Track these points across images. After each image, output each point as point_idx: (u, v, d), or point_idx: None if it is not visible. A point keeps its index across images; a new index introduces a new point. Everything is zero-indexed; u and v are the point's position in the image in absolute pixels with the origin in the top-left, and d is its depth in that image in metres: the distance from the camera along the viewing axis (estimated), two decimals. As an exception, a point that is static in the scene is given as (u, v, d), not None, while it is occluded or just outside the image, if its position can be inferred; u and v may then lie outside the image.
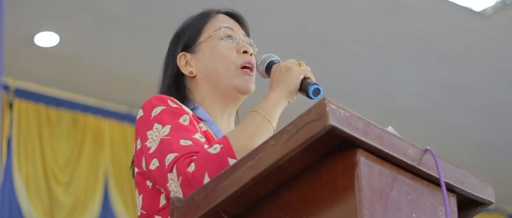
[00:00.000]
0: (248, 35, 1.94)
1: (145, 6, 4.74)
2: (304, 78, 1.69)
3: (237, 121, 1.92)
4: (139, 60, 5.35)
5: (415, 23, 5.05)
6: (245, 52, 1.85)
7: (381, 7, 4.88)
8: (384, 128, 1.37)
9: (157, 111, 1.68)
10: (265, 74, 1.81)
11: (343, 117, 1.27)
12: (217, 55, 1.84)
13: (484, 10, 4.89)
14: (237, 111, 1.94)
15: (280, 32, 5.05)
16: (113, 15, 4.84)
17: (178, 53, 1.89)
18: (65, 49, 5.17)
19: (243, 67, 1.84)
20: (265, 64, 1.80)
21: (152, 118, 1.67)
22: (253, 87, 1.85)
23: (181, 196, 1.51)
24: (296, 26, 5.06)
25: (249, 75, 1.84)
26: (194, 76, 1.87)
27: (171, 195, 1.55)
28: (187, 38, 1.90)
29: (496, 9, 4.87)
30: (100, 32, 5.03)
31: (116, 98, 5.91)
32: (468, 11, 4.90)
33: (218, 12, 1.93)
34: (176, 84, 1.87)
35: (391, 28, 5.11)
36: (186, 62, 1.88)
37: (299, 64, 1.73)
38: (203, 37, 1.88)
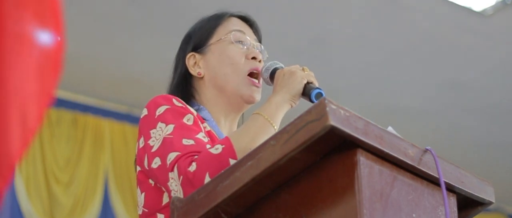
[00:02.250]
0: (259, 40, 1.95)
1: (145, 6, 4.74)
2: (307, 83, 1.70)
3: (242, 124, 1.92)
4: (139, 60, 5.35)
5: (415, 23, 5.05)
6: (254, 58, 1.86)
7: (381, 7, 4.88)
8: (384, 128, 1.37)
9: (161, 110, 1.69)
10: (269, 81, 1.82)
11: (343, 117, 1.27)
12: (226, 58, 1.85)
13: (484, 10, 4.89)
14: (243, 114, 1.94)
15: (280, 32, 5.05)
16: (113, 15, 4.84)
17: (188, 52, 1.89)
18: (65, 49, 5.16)
19: (251, 74, 1.84)
20: (270, 71, 1.81)
21: (156, 117, 1.68)
22: (258, 97, 1.86)
23: (181, 195, 1.52)
24: (296, 26, 5.06)
25: (256, 86, 1.84)
26: (202, 78, 1.88)
27: (172, 194, 1.55)
28: (198, 38, 1.90)
29: (496, 9, 4.87)
30: (100, 32, 5.03)
31: (116, 98, 5.92)
32: (468, 11, 4.90)
33: (232, 15, 1.94)
34: (183, 84, 1.88)
35: (391, 28, 5.11)
36: (195, 63, 1.89)
37: (303, 69, 1.74)
38: (214, 39, 1.89)
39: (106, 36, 5.08)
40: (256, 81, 1.85)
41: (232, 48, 1.86)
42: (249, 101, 1.85)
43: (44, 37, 0.85)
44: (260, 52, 1.90)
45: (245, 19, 1.95)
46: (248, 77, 1.84)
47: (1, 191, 0.83)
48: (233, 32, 1.88)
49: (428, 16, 4.98)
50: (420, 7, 4.87)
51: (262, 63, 1.88)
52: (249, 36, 1.91)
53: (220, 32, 1.89)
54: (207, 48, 1.88)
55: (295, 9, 4.86)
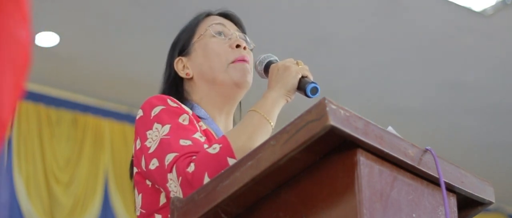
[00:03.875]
0: (243, 33, 1.93)
1: (145, 6, 4.74)
2: (302, 77, 1.69)
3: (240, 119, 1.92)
4: (139, 60, 5.35)
5: (415, 23, 5.05)
6: (238, 46, 1.84)
7: (381, 7, 4.88)
8: (384, 128, 1.37)
9: (156, 110, 1.68)
10: (263, 74, 1.80)
11: (343, 117, 1.27)
12: (210, 52, 1.84)
13: (484, 10, 4.89)
14: (241, 111, 1.93)
15: (280, 32, 5.05)
16: (113, 15, 4.84)
17: (175, 58, 1.89)
18: (65, 49, 5.17)
19: (237, 61, 1.83)
20: (264, 64, 1.80)
21: (151, 117, 1.67)
22: (250, 79, 1.83)
23: (181, 196, 1.51)
24: (296, 26, 5.06)
25: (245, 63, 1.82)
26: (191, 78, 1.87)
27: (171, 195, 1.55)
28: (181, 42, 1.91)
29: (496, 9, 4.87)
30: (100, 32, 5.03)
31: (116, 98, 5.92)
32: (468, 11, 4.90)
33: (210, 13, 1.94)
34: (174, 88, 1.87)
35: (391, 28, 5.11)
36: (183, 66, 1.88)
37: (297, 63, 1.72)
38: (195, 38, 1.88)
39: (106, 36, 5.08)
40: (244, 62, 1.82)
41: (214, 41, 1.86)
42: (241, 84, 1.82)
43: (18, 30, 0.85)
44: (244, 40, 1.88)
45: (225, 15, 1.94)
46: (233, 62, 1.82)
47: None
48: (212, 26, 1.88)
49: (428, 16, 4.98)
50: (420, 7, 4.87)
51: (247, 51, 1.86)
52: (231, 29, 1.90)
53: (200, 30, 1.89)
54: (191, 48, 1.88)
55: (296, 9, 4.86)
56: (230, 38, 1.87)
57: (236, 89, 1.83)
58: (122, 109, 5.96)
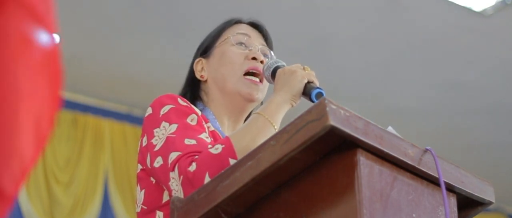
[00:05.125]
0: (270, 46, 1.95)
1: (145, 6, 4.74)
2: (308, 82, 1.70)
3: None
4: (139, 60, 5.35)
5: (415, 23, 5.05)
6: (254, 58, 1.86)
7: (381, 7, 4.88)
8: (384, 128, 1.37)
9: (165, 109, 1.70)
10: (271, 80, 1.82)
11: (343, 117, 1.27)
12: (225, 59, 1.87)
13: (484, 10, 4.89)
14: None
15: (280, 32, 5.04)
16: (113, 16, 4.84)
17: (197, 58, 1.94)
18: (65, 49, 5.16)
19: (248, 73, 1.85)
20: (271, 70, 1.81)
21: (160, 116, 1.69)
22: (258, 95, 1.85)
23: (182, 195, 1.52)
24: (296, 26, 5.06)
25: (254, 83, 1.84)
26: (206, 80, 1.91)
27: (173, 193, 1.56)
28: (206, 44, 1.95)
29: (496, 9, 4.87)
30: (100, 32, 5.03)
31: (116, 98, 5.92)
32: (468, 11, 4.90)
33: (240, 21, 1.96)
34: (188, 88, 1.92)
35: (391, 28, 5.11)
36: (201, 68, 1.92)
37: (304, 68, 1.74)
38: (218, 42, 1.92)
39: (106, 36, 5.08)
40: (255, 79, 1.85)
41: (232, 50, 1.88)
42: (248, 99, 1.85)
43: (46, 39, 0.85)
44: (265, 55, 1.90)
45: (254, 25, 1.97)
46: (245, 76, 1.85)
47: (13, 195, 0.83)
48: (235, 35, 1.91)
49: (428, 16, 4.98)
50: (420, 7, 4.86)
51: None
52: (256, 40, 1.92)
53: (224, 36, 1.92)
54: (211, 52, 1.92)
55: (296, 9, 4.86)
56: (250, 50, 1.89)
57: (243, 101, 1.86)
58: (122, 108, 5.96)
